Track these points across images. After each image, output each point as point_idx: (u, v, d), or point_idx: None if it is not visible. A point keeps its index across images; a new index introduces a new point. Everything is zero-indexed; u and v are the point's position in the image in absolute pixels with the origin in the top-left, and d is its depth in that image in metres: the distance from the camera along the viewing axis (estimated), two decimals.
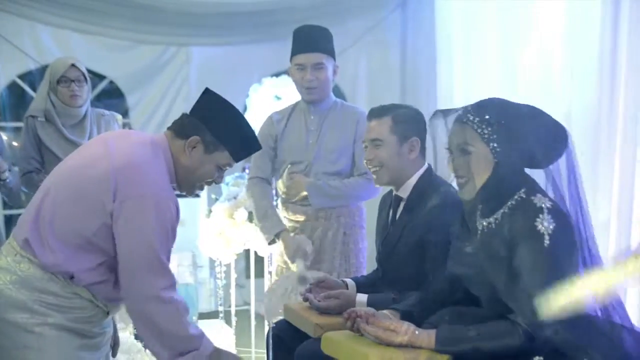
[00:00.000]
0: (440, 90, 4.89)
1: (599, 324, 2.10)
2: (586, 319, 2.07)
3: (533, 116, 2.15)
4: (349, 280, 2.82)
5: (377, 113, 2.75)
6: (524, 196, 2.10)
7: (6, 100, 5.31)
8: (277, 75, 4.62)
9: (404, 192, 2.75)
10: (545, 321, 1.94)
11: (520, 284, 2.01)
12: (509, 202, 2.12)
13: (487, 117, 2.11)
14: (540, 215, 2.01)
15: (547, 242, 1.99)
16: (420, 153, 2.76)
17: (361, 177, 3.32)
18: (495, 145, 2.09)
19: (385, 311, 2.34)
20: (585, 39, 3.50)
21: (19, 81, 5.35)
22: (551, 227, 2.00)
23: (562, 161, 2.14)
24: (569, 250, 2.06)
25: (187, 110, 2.35)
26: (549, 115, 2.17)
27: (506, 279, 2.04)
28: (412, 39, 5.44)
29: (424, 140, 2.77)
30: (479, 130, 2.11)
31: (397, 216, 2.76)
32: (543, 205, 2.03)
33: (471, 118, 2.12)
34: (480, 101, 2.18)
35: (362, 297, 2.63)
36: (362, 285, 2.81)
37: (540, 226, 2.00)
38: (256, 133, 2.38)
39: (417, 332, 2.11)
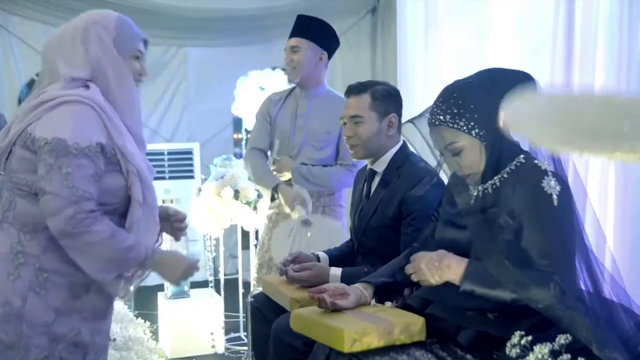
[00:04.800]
0: (401, 86, 4.39)
1: (587, 299, 1.65)
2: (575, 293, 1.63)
3: (494, 80, 1.67)
4: (321, 254, 2.35)
5: (355, 90, 2.28)
6: (524, 161, 1.65)
7: (26, 96, 4.80)
8: (262, 69, 4.17)
9: (379, 166, 2.27)
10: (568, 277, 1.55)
11: (531, 243, 1.57)
12: (508, 168, 1.66)
13: (455, 109, 1.63)
14: (546, 177, 1.58)
15: (555, 202, 1.56)
16: (397, 129, 2.29)
17: (343, 167, 2.83)
18: (477, 131, 1.63)
19: (357, 285, 1.86)
20: (539, 29, 3.02)
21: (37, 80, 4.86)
22: (558, 188, 1.57)
23: None
24: (574, 214, 1.63)
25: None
26: (508, 70, 1.71)
27: (512, 240, 1.60)
28: (380, 42, 5.03)
29: (401, 116, 2.30)
30: (455, 126, 1.63)
31: (372, 190, 2.28)
32: (547, 168, 1.61)
33: (442, 118, 1.64)
34: (441, 95, 1.69)
35: (336, 271, 2.17)
36: (335, 258, 2.34)
37: (547, 187, 1.57)
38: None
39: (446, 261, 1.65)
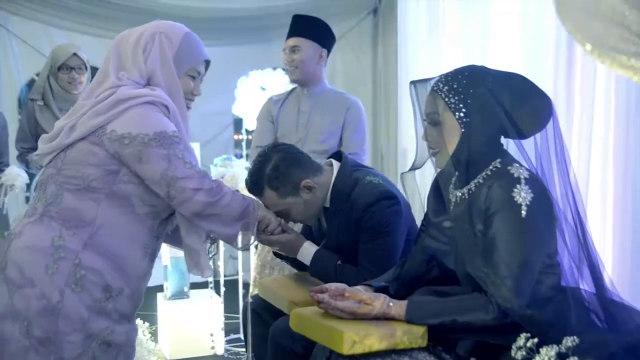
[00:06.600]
0: (401, 87, 4.36)
1: (581, 298, 1.61)
2: (562, 295, 1.59)
3: (512, 85, 1.63)
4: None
5: (256, 191, 2.04)
6: (499, 166, 1.60)
7: (26, 95, 4.79)
8: (262, 69, 4.15)
9: (326, 202, 2.11)
10: (520, 296, 1.48)
11: (495, 257, 1.51)
12: (484, 173, 1.61)
13: (455, 85, 1.60)
14: (518, 186, 1.52)
15: (524, 213, 1.50)
16: (318, 171, 2.08)
17: None
18: (461, 114, 1.59)
19: (359, 287, 1.81)
20: (541, 34, 2.97)
21: (37, 79, 4.84)
22: (529, 197, 1.52)
23: (549, 130, 1.63)
24: (547, 222, 1.56)
25: None
26: (533, 85, 1.65)
27: (480, 252, 1.54)
28: (381, 43, 4.97)
29: (311, 163, 2.09)
30: (446, 99, 1.60)
31: (326, 224, 2.15)
32: (520, 175, 1.55)
33: (441, 86, 1.62)
34: (455, 69, 1.66)
35: (310, 245, 2.08)
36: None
37: (517, 197, 1.52)
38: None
39: (391, 304, 1.62)
